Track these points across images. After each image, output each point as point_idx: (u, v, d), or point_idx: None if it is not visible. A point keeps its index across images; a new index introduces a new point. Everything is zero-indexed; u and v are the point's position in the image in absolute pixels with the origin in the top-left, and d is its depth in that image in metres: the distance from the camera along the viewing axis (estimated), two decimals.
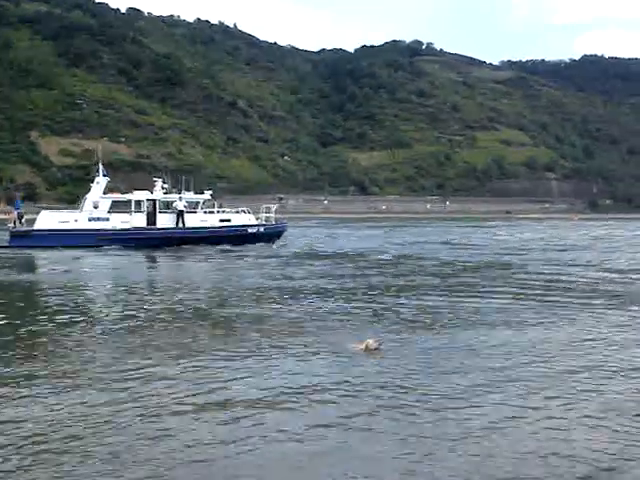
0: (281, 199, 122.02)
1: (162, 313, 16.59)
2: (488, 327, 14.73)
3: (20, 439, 7.85)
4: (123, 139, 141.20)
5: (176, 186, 45.74)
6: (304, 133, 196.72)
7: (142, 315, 16.20)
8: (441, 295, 19.76)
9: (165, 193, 43.63)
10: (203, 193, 44.90)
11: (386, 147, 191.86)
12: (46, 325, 14.88)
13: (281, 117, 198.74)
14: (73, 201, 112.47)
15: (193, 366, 11.24)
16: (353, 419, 8.64)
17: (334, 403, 9.35)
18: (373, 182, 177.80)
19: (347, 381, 10.34)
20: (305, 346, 12.75)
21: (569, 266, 29.44)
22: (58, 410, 8.90)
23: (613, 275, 25.74)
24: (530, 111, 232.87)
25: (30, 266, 32.06)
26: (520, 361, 11.68)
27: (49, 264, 31.68)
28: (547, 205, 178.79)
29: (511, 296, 19.40)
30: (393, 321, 15.45)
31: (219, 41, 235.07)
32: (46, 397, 9.49)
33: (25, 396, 9.56)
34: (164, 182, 44.23)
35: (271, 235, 44.92)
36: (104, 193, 42.87)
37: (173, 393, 9.73)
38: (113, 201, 42.49)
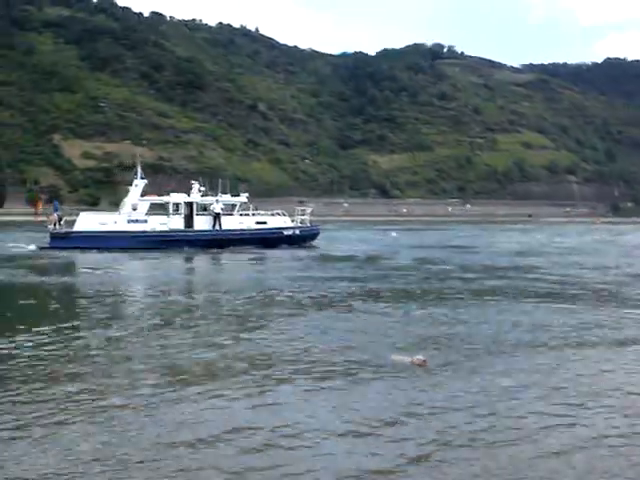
0: (302, 202, 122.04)
1: (200, 319, 16.42)
2: (531, 344, 13.87)
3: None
4: (145, 142, 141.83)
5: (213, 189, 46.19)
6: (325, 136, 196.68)
7: (181, 320, 16.11)
8: (478, 301, 19.58)
9: (202, 196, 44.27)
10: (239, 195, 45.57)
11: (407, 150, 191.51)
12: (79, 333, 14.71)
13: (301, 120, 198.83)
14: (94, 203, 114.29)
15: (229, 388, 10.39)
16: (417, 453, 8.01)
17: (398, 434, 8.60)
18: (394, 185, 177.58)
19: (402, 404, 9.77)
20: (350, 362, 12.19)
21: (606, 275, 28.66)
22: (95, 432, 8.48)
23: None
24: (551, 114, 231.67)
25: (70, 268, 32.36)
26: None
27: (88, 266, 31.90)
28: (568, 209, 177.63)
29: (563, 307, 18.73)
30: (433, 329, 15.09)
31: (240, 44, 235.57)
32: (74, 420, 8.96)
33: (64, 414, 9.15)
34: (201, 185, 44.79)
35: (306, 237, 45.73)
36: (142, 195, 43.60)
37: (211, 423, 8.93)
38: (151, 203, 43.40)
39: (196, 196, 43.91)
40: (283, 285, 23.64)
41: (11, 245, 41.56)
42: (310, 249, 42.72)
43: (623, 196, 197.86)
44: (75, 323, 15.82)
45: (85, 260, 35.03)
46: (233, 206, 44.29)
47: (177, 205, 43.30)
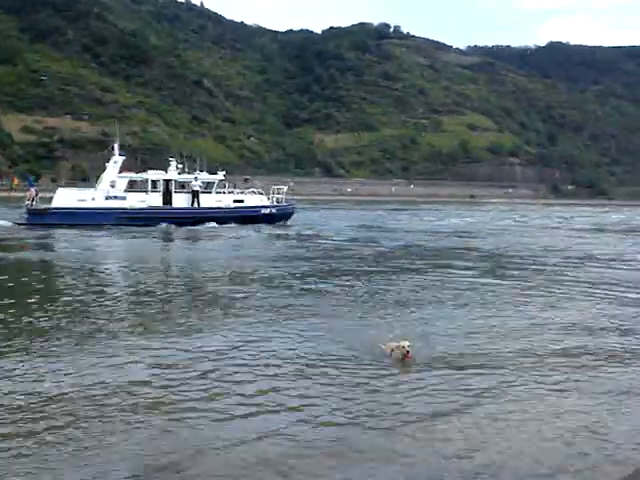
0: (246, 180, 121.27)
1: (170, 297, 16.16)
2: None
3: None
4: (87, 117, 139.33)
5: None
6: (270, 114, 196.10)
7: (157, 302, 15.63)
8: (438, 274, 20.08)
9: (179, 173, 44.43)
10: (216, 174, 45.72)
11: (352, 130, 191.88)
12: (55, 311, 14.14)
13: (247, 97, 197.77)
14: (34, 179, 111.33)
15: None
16: None
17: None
18: (339, 164, 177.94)
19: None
20: (326, 349, 11.05)
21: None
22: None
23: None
24: (495, 96, 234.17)
25: (48, 244, 32.05)
26: None
27: (67, 242, 31.84)
28: (510, 190, 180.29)
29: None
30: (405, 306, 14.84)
31: (185, 19, 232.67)
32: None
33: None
34: (179, 163, 45.07)
35: (282, 216, 46.20)
36: (119, 172, 43.45)
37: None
38: (130, 180, 43.17)
39: (174, 173, 44.01)
40: (262, 264, 23.49)
41: None
42: (286, 227, 43.34)
43: (564, 179, 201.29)
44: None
45: (63, 236, 34.78)
46: (210, 184, 44.48)
47: (155, 182, 43.27)
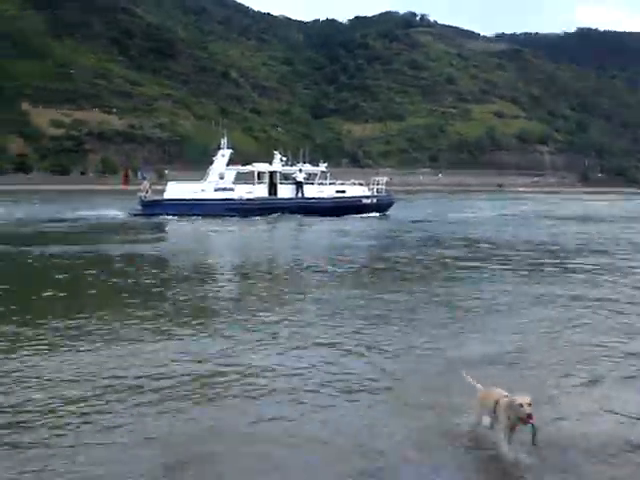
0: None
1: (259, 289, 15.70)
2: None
3: None
4: (115, 110, 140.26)
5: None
6: (297, 104, 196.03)
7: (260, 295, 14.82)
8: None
9: (283, 165, 45.97)
10: (319, 165, 47.16)
11: (380, 119, 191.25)
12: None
13: (274, 88, 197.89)
14: (64, 172, 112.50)
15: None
16: None
17: None
18: (366, 154, 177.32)
19: None
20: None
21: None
22: None
23: None
24: (524, 84, 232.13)
25: (165, 232, 34.39)
26: None
27: (183, 230, 34.42)
28: (537, 179, 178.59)
29: None
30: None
31: (211, 11, 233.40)
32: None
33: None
34: (283, 155, 46.63)
35: (382, 206, 46.91)
36: (227, 165, 44.98)
37: None
38: (237, 172, 44.97)
39: (278, 165, 45.49)
40: (365, 252, 23.89)
41: (101, 213, 43.27)
42: (386, 217, 44.33)
43: (593, 166, 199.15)
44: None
45: (177, 225, 37.57)
46: (313, 175, 46.02)
47: (261, 174, 44.76)
